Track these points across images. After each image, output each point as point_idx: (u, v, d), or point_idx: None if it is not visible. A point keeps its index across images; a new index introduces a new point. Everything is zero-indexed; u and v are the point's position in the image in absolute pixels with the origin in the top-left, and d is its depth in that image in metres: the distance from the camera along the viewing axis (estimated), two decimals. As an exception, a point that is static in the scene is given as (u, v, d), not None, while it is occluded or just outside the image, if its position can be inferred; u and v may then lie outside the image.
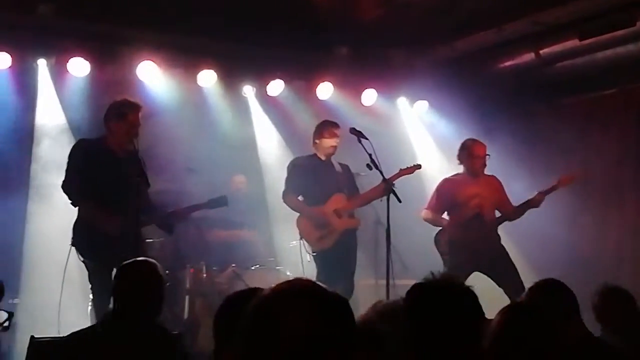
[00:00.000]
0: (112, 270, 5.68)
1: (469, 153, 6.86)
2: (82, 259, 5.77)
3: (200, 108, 8.20)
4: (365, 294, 7.16)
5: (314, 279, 1.95)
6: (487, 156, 6.85)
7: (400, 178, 6.68)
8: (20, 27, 7.12)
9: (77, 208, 5.84)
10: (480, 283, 6.13)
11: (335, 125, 6.87)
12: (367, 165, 6.18)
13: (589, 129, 8.43)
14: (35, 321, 6.27)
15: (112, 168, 5.80)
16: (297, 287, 1.83)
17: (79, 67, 7.35)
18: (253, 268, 7.46)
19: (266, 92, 8.38)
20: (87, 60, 7.32)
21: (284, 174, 6.98)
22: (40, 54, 7.38)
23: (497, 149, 7.01)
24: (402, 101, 9.12)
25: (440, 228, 6.92)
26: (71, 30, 7.35)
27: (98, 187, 5.72)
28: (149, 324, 3.63)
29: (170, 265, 6.75)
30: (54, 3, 7.05)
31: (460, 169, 7.00)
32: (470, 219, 6.76)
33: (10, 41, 7.09)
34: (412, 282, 2.56)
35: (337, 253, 6.73)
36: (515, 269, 6.74)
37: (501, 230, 7.00)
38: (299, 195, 6.92)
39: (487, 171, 6.94)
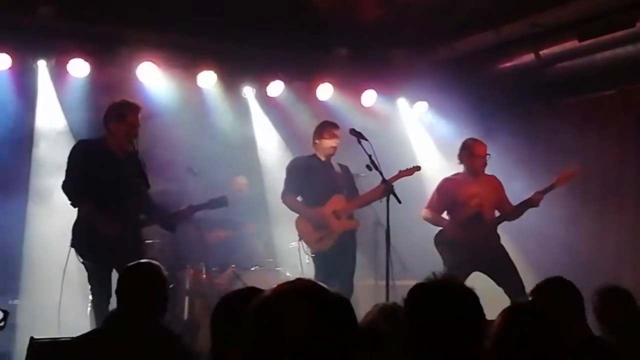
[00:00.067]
0: (112, 271, 5.75)
1: (470, 152, 6.86)
2: (81, 260, 5.77)
3: (200, 109, 8.20)
4: (365, 295, 7.16)
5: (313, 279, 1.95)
6: (488, 156, 6.85)
7: (400, 179, 6.69)
8: (20, 28, 7.11)
9: (76, 209, 5.85)
10: (480, 283, 6.14)
11: (335, 126, 6.87)
12: (367, 166, 6.18)
13: (588, 129, 8.43)
14: (35, 322, 6.29)
15: (112, 169, 5.80)
16: (298, 288, 1.84)
17: (79, 68, 7.34)
18: (253, 269, 7.46)
19: (266, 92, 8.37)
20: (87, 61, 7.32)
21: (284, 175, 6.98)
22: (40, 55, 7.37)
23: (496, 149, 7.01)
24: (402, 102, 9.12)
25: (441, 228, 6.92)
26: (71, 31, 7.35)
27: (98, 188, 5.73)
28: (154, 325, 3.64)
29: (170, 266, 6.73)
30: (54, 4, 7.04)
31: (460, 169, 7.00)
32: (470, 219, 6.76)
33: (10, 42, 7.08)
34: (412, 282, 2.57)
35: (336, 254, 6.73)
36: (515, 269, 6.75)
37: (501, 230, 7.00)
38: (297, 196, 6.91)
39: (487, 171, 6.94)
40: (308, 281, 1.87)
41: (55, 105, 7.61)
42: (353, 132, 6.27)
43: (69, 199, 5.82)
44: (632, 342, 3.81)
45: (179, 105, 7.92)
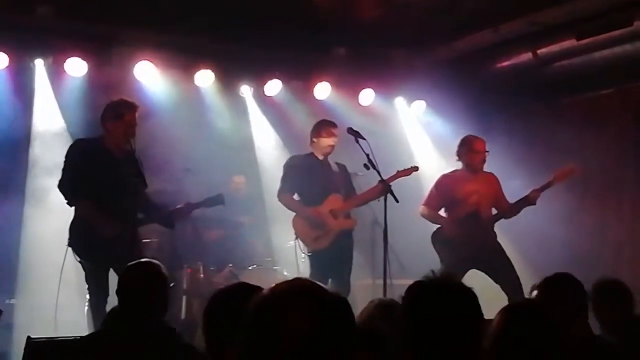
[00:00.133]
0: (109, 270, 5.74)
1: (469, 148, 6.85)
2: (78, 259, 5.77)
3: (197, 108, 8.19)
4: (363, 294, 7.14)
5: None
6: (487, 152, 6.85)
7: (398, 179, 6.68)
8: (17, 27, 7.10)
9: (73, 209, 5.84)
10: (478, 282, 6.13)
11: (333, 124, 6.86)
12: (365, 165, 6.17)
13: (587, 128, 8.43)
14: (32, 321, 6.28)
15: (109, 168, 5.79)
16: (297, 287, 1.83)
17: (76, 67, 7.34)
18: (250, 268, 7.46)
19: (264, 92, 8.37)
20: (84, 60, 7.31)
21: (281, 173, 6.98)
22: (37, 54, 7.36)
23: (494, 148, 7.01)
24: (399, 101, 9.12)
25: (438, 226, 6.92)
26: (68, 31, 7.34)
27: (95, 187, 5.72)
28: (155, 324, 3.63)
29: (168, 266, 6.67)
30: (51, 3, 7.03)
31: (458, 166, 6.99)
32: (467, 217, 6.76)
33: (7, 41, 7.06)
34: (410, 281, 2.55)
35: (332, 254, 6.72)
36: (512, 266, 6.76)
37: (500, 229, 7.00)
38: (294, 194, 6.89)
39: (485, 169, 6.94)
40: (306, 280, 1.87)
41: (52, 104, 7.60)
42: (351, 131, 6.26)
43: (66, 199, 5.81)
44: (629, 338, 3.80)
45: (177, 104, 7.92)
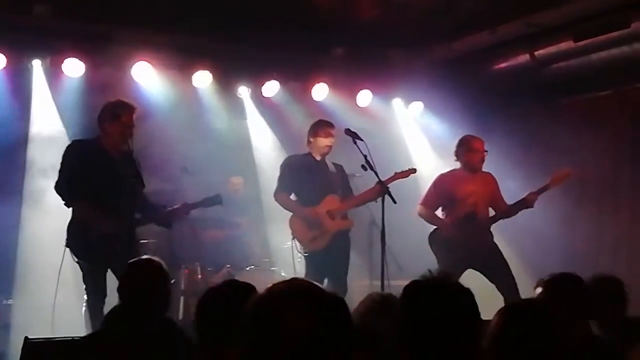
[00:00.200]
0: (107, 270, 5.74)
1: (468, 148, 6.85)
2: (76, 259, 5.76)
3: (195, 109, 8.19)
4: (360, 295, 7.05)
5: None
6: (485, 152, 6.85)
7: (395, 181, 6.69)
8: (14, 27, 7.08)
9: (70, 209, 5.83)
10: (474, 282, 6.14)
11: (330, 124, 6.85)
12: (362, 166, 6.17)
13: (584, 130, 8.43)
14: (29, 322, 6.27)
15: (107, 169, 5.79)
16: (295, 287, 1.83)
17: (74, 68, 7.32)
18: (248, 269, 7.46)
19: (261, 92, 8.36)
20: (81, 60, 7.30)
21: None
22: (34, 54, 7.35)
23: (492, 149, 7.00)
24: (397, 102, 9.12)
25: (435, 227, 6.93)
26: (66, 31, 7.32)
27: (92, 187, 5.72)
28: (158, 321, 3.64)
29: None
30: (49, 4, 7.03)
31: (456, 167, 6.99)
32: (464, 218, 6.76)
33: (4, 42, 7.05)
34: (407, 282, 2.55)
35: (329, 254, 6.71)
36: (508, 267, 6.77)
37: (497, 229, 7.00)
38: (291, 194, 6.88)
39: (483, 170, 6.94)
40: (303, 280, 1.87)
41: (50, 105, 7.58)
42: (348, 132, 6.26)
43: (63, 199, 5.80)
44: (622, 335, 3.79)
45: (174, 105, 7.91)
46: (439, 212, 6.99)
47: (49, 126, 7.54)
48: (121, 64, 7.53)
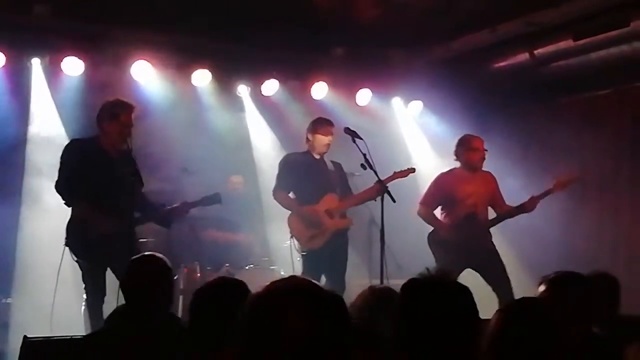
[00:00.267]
0: (106, 269, 5.74)
1: (468, 147, 6.84)
2: (75, 258, 5.76)
3: (194, 108, 8.19)
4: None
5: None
6: (485, 151, 6.85)
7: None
8: (14, 26, 7.08)
9: (70, 209, 5.83)
10: (473, 281, 6.14)
11: (329, 122, 6.83)
12: (362, 165, 6.17)
13: (584, 129, 8.43)
14: (28, 321, 6.27)
15: (105, 168, 5.79)
16: (293, 286, 1.83)
17: (73, 67, 7.33)
18: (247, 268, 7.46)
19: (261, 91, 8.36)
20: (81, 59, 7.30)
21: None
22: (34, 53, 7.35)
23: (492, 148, 7.00)
24: (396, 101, 9.12)
25: (434, 228, 6.93)
26: (65, 30, 7.32)
27: (91, 187, 5.72)
28: (162, 317, 3.63)
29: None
30: (49, 3, 7.02)
31: (455, 166, 6.99)
32: (464, 219, 6.76)
33: (3, 40, 7.05)
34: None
35: (327, 253, 6.70)
36: (504, 269, 6.77)
37: (496, 228, 7.00)
38: (289, 192, 6.86)
39: (482, 169, 6.95)
40: (302, 279, 1.87)
41: (49, 103, 7.58)
42: (348, 131, 6.25)
43: (63, 199, 5.80)
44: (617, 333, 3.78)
45: (174, 103, 7.92)
46: (439, 211, 6.99)
47: (48, 125, 7.54)
48: (120, 63, 7.54)
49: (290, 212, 6.82)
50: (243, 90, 8.44)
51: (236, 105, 8.56)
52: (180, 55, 7.78)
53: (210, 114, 8.30)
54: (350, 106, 8.57)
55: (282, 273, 7.23)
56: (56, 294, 6.00)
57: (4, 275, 6.97)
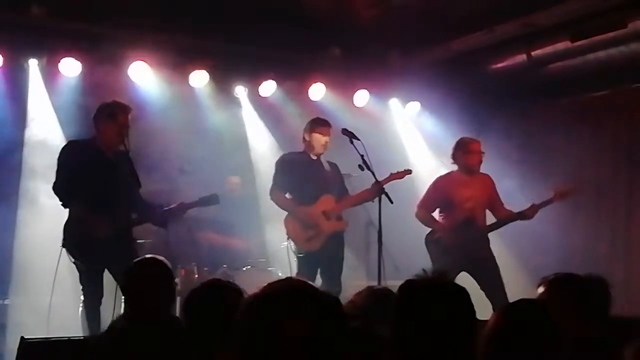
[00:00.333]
0: (103, 271, 5.74)
1: (466, 150, 6.85)
2: (72, 260, 5.76)
3: (192, 108, 8.18)
4: (357, 296, 7.12)
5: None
6: (483, 153, 6.85)
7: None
8: (11, 27, 7.07)
9: (67, 210, 5.83)
10: (469, 283, 6.14)
11: (326, 122, 6.82)
12: (359, 166, 6.16)
13: (581, 130, 8.44)
14: (25, 322, 6.27)
15: (102, 169, 5.79)
16: (290, 287, 1.83)
17: (70, 67, 7.32)
18: (244, 269, 7.44)
19: (258, 92, 8.36)
20: (78, 60, 7.29)
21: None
22: (31, 54, 7.34)
23: (489, 149, 7.01)
24: (394, 102, 9.12)
25: (431, 230, 6.93)
26: (63, 31, 7.31)
27: (89, 188, 5.71)
28: (165, 317, 3.63)
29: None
30: (46, 4, 7.02)
31: (453, 168, 6.99)
32: (461, 223, 6.76)
33: (1, 41, 7.05)
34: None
35: (323, 255, 6.69)
36: (500, 275, 6.76)
37: (495, 231, 7.00)
38: (286, 193, 6.84)
39: (480, 171, 6.95)
40: (299, 280, 1.87)
41: (46, 105, 7.57)
42: (345, 132, 6.25)
43: (60, 200, 5.80)
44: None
45: (171, 104, 7.90)
46: (437, 214, 6.99)
47: (45, 126, 7.52)
48: (118, 64, 7.53)
49: (286, 213, 6.81)
50: (240, 91, 8.43)
51: (234, 106, 8.55)
52: (178, 56, 7.77)
53: (207, 114, 8.29)
54: (348, 107, 8.57)
55: (280, 274, 7.22)
56: (53, 295, 5.99)
57: (1, 276, 6.96)
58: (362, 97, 8.72)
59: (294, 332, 1.73)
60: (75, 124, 7.22)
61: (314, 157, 6.82)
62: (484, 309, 2.87)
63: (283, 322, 1.74)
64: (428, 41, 8.29)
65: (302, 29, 7.57)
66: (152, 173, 7.23)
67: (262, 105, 8.63)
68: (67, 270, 5.91)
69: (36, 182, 7.09)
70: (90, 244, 5.63)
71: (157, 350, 3.36)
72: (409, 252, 7.29)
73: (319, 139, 6.73)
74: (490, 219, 6.99)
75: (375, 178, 6.22)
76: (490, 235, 6.96)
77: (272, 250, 8.01)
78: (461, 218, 6.78)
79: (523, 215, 6.75)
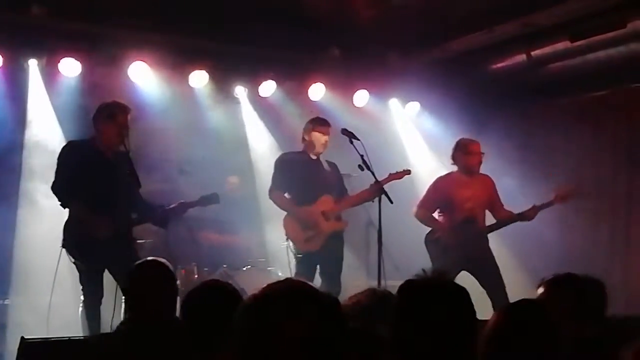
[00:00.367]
0: (103, 271, 5.74)
1: (465, 151, 6.86)
2: (72, 260, 5.76)
3: (191, 109, 8.18)
4: (356, 296, 7.12)
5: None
6: (482, 154, 6.85)
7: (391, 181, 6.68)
8: (11, 27, 7.07)
9: (67, 210, 5.83)
10: (469, 283, 6.14)
11: (326, 122, 6.82)
12: (359, 166, 6.16)
13: (581, 130, 8.44)
14: (26, 322, 6.27)
15: (102, 169, 5.80)
16: (290, 288, 1.83)
17: (70, 68, 7.32)
18: (244, 269, 7.44)
19: (258, 93, 8.36)
20: (78, 60, 7.29)
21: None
22: (31, 54, 7.33)
23: (489, 150, 7.01)
24: (394, 102, 9.12)
25: (431, 229, 6.93)
26: (62, 31, 7.31)
27: (89, 188, 5.72)
28: (166, 319, 3.63)
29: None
30: (46, 4, 7.02)
31: (453, 168, 6.99)
32: (461, 223, 6.77)
33: (0, 41, 7.04)
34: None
35: (323, 255, 6.69)
36: (500, 274, 6.78)
37: (494, 232, 7.00)
38: (285, 192, 6.84)
39: (479, 171, 6.95)
40: (298, 281, 1.87)
41: (46, 105, 7.57)
42: (345, 132, 6.25)
43: (59, 200, 5.80)
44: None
45: (171, 104, 7.90)
46: (436, 214, 6.99)
47: (45, 126, 7.52)
48: (117, 64, 7.52)
49: (285, 213, 6.81)
50: (240, 91, 8.43)
51: (233, 106, 8.55)
52: (178, 56, 7.77)
53: (207, 115, 8.30)
54: (348, 107, 8.56)
55: (280, 274, 7.22)
56: (53, 295, 5.99)
57: (2, 276, 6.96)
58: (361, 97, 8.72)
59: (293, 333, 1.73)
60: (75, 125, 7.22)
61: (314, 157, 6.82)
62: (484, 309, 2.87)
63: (282, 323, 1.74)
64: (428, 41, 8.29)
65: (301, 29, 7.58)
66: (152, 173, 7.23)
67: (261, 106, 8.62)
68: (67, 270, 5.91)
69: (36, 183, 7.09)
70: (90, 244, 5.63)
71: (157, 351, 3.36)
72: (409, 252, 7.29)
73: (318, 138, 6.73)
74: (490, 219, 7.00)
75: (375, 178, 6.22)
76: (490, 235, 6.97)
77: (272, 250, 8.01)
78: (461, 218, 6.79)
79: (524, 217, 6.77)
